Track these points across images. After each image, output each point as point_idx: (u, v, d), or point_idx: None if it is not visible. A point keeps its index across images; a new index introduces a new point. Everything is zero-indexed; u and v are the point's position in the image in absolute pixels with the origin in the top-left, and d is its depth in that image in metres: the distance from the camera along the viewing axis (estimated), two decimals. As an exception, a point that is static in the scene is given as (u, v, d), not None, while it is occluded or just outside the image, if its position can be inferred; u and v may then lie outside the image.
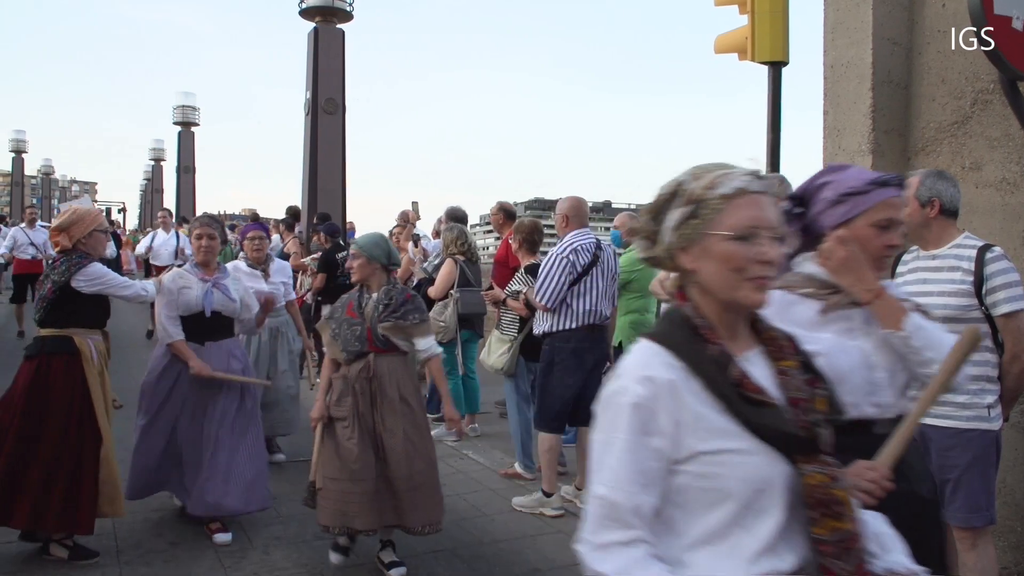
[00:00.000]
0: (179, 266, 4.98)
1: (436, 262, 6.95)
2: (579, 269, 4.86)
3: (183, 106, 31.55)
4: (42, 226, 11.89)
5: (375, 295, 3.74)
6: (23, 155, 38.84)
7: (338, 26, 12.24)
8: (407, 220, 8.68)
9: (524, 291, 5.26)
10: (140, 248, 12.18)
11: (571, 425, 5.14)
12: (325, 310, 9.55)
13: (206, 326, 4.26)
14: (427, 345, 3.78)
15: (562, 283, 4.81)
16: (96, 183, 44.66)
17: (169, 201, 33.61)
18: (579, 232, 5.02)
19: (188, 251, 10.63)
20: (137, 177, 44.84)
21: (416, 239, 8.13)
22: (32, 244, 11.65)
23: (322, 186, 11.79)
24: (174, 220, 12.82)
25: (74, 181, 47.95)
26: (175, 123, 31.73)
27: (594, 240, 4.96)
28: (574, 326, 4.86)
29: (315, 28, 12.09)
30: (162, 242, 11.51)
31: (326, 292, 9.30)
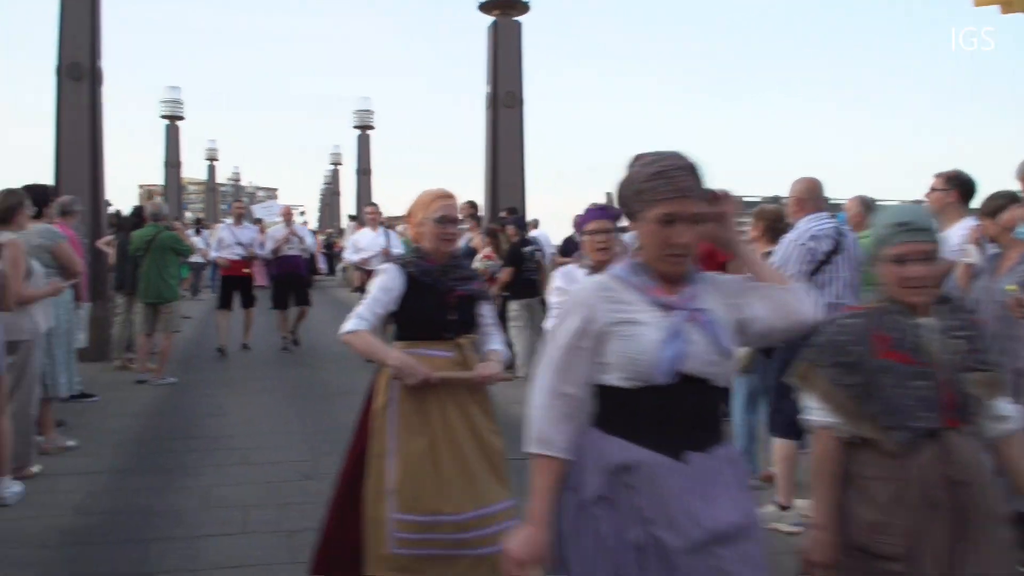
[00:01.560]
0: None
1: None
2: (819, 257, 4.39)
3: (361, 110, 32.84)
4: (248, 224, 11.65)
5: (928, 319, 2.22)
6: (215, 163, 41.78)
7: (515, 19, 12.13)
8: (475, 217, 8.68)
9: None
10: (348, 248, 11.35)
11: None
12: (513, 306, 9.56)
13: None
14: (1010, 411, 2.27)
15: (800, 273, 4.35)
16: (276, 188, 47.16)
17: (348, 203, 35.13)
18: (815, 217, 4.55)
19: (396, 250, 10.46)
20: (315, 181, 47.22)
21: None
22: (239, 243, 10.92)
23: (503, 180, 11.68)
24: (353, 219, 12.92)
25: (258, 188, 50.88)
26: (355, 127, 33.06)
27: (834, 225, 4.47)
28: (816, 320, 4.39)
29: (494, 22, 12.02)
30: (370, 241, 10.53)
31: (512, 286, 9.16)
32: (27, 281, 5.26)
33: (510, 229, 9.35)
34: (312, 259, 12.96)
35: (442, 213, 3.25)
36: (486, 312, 3.40)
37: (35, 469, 5.48)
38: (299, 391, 8.72)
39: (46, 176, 10.93)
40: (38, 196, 6.14)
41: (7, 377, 5.05)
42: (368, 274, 10.20)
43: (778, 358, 4.50)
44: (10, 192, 5.36)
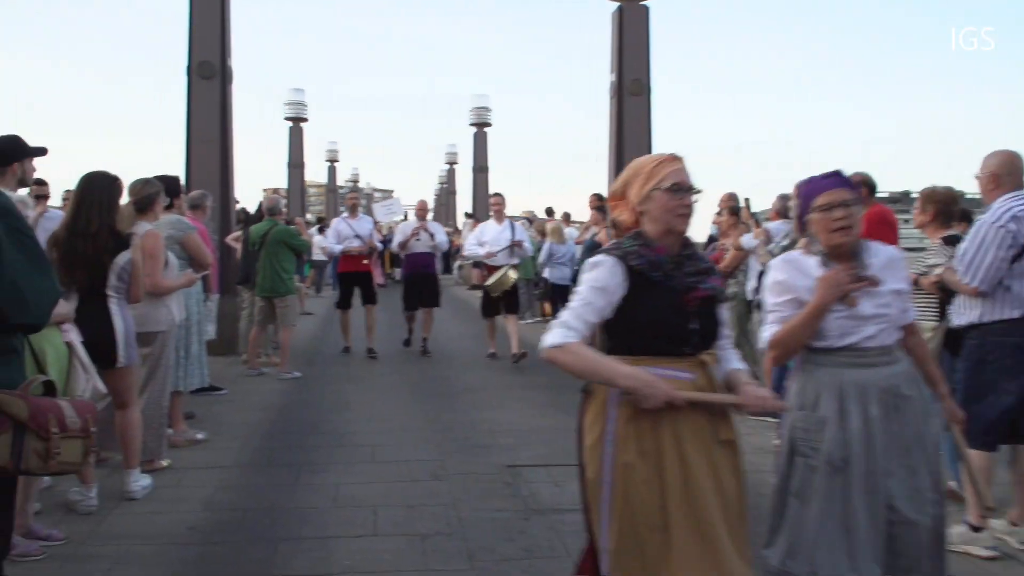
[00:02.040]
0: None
1: (784, 243, 6.10)
2: (1022, 240, 3.79)
3: (478, 107, 32.88)
4: (364, 215, 11.15)
5: None
6: (336, 164, 42.77)
7: (642, 3, 11.64)
8: (735, 212, 7.88)
9: (940, 267, 4.21)
10: (470, 241, 10.51)
11: (1006, 442, 4.03)
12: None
13: None
14: None
15: (998, 260, 3.77)
16: (392, 190, 47.90)
17: (463, 202, 35.25)
18: (1015, 195, 3.94)
19: (527, 244, 10.16)
20: (430, 181, 47.80)
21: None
22: (357, 236, 10.27)
23: (629, 172, 11.20)
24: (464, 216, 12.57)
25: (375, 189, 51.86)
26: (471, 124, 33.14)
27: (1037, 205, 3.84)
28: (1016, 315, 3.79)
29: (619, 7, 11.56)
30: (495, 234, 9.81)
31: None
32: (164, 272, 5.20)
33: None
34: (446, 257, 12.53)
35: (675, 180, 2.43)
36: (725, 318, 2.61)
37: (165, 463, 5.41)
38: (421, 387, 8.52)
39: (177, 173, 11.20)
40: (170, 187, 6.09)
41: (140, 369, 4.98)
42: (489, 270, 9.91)
43: (971, 356, 3.93)
44: (147, 182, 5.30)
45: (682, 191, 2.44)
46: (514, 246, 9.67)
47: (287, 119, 33.01)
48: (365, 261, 10.47)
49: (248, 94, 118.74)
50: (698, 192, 2.52)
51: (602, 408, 2.43)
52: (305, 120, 33.41)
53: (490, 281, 9.69)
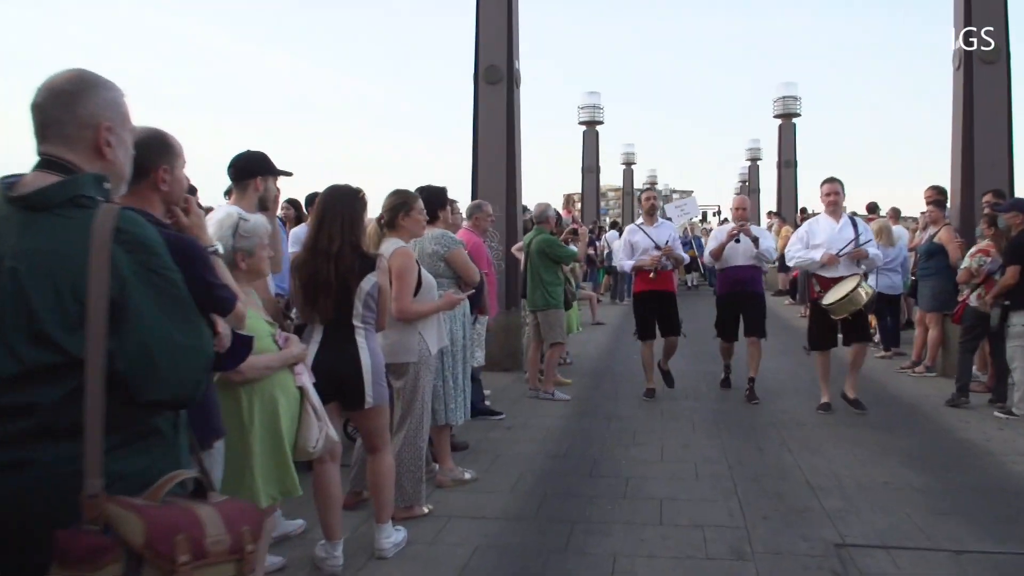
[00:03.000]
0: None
1: None
2: None
3: (783, 97, 30.44)
4: (664, 220, 9.48)
5: None
6: (632, 167, 41.96)
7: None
8: None
9: None
10: (793, 244, 7.80)
11: None
12: (1018, 320, 7.20)
13: None
14: None
15: None
16: (692, 191, 46.09)
17: (768, 200, 32.89)
18: None
19: (872, 247, 7.59)
20: (729, 180, 45.44)
21: None
22: (656, 247, 8.08)
23: (982, 157, 9.10)
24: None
25: (673, 190, 50.53)
26: (775, 116, 30.78)
27: None
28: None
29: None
30: (831, 233, 7.42)
31: (1018, 292, 6.85)
32: (419, 295, 4.58)
33: (1014, 217, 6.99)
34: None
35: None
36: None
37: (425, 509, 4.80)
38: (721, 418, 7.33)
39: (465, 183, 10.95)
40: (434, 198, 5.53)
41: (392, 407, 4.40)
42: (822, 283, 7.38)
43: None
44: (398, 193, 4.73)
45: None
46: (856, 257, 7.28)
47: (581, 123, 32.90)
48: (678, 275, 9.12)
49: (545, 97, 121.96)
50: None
51: None
52: (600, 123, 33.04)
53: (830, 299, 7.10)
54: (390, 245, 4.50)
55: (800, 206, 22.08)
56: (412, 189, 5.27)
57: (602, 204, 40.06)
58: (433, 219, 5.47)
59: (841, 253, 7.25)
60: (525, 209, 12.40)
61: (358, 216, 3.97)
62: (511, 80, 10.67)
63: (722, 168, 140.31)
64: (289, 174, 4.23)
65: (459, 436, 6.52)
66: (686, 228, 20.36)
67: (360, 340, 3.93)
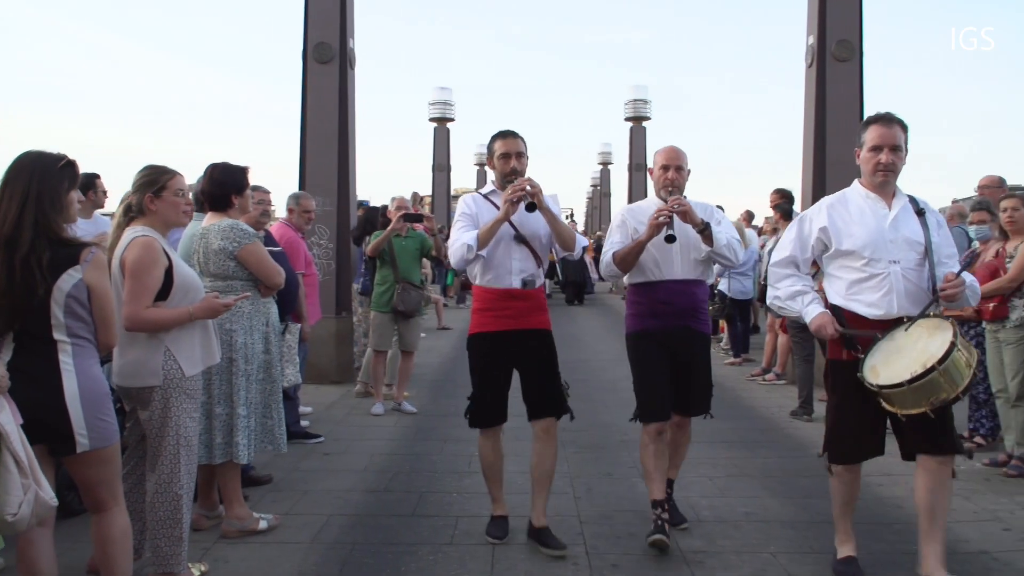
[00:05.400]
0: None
1: None
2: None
3: (634, 100, 30.52)
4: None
5: None
6: (486, 167, 41.26)
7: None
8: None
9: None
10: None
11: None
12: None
13: None
14: None
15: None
16: (555, 194, 46.01)
17: (620, 204, 32.99)
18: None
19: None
20: (583, 183, 45.72)
21: None
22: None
23: (832, 158, 8.86)
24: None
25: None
26: (626, 119, 30.87)
27: None
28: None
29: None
30: None
31: None
32: (170, 299, 3.49)
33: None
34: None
35: None
36: None
37: (196, 573, 3.76)
38: (569, 441, 6.54)
39: (290, 173, 9.81)
40: (228, 179, 4.46)
41: (122, 449, 3.33)
42: None
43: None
44: (148, 169, 3.62)
45: None
46: None
47: (432, 120, 31.84)
48: None
49: (396, 93, 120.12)
50: None
51: None
52: (452, 120, 32.12)
53: (891, 375, 3.42)
54: (128, 235, 3.43)
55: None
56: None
57: (454, 206, 39.25)
58: (223, 207, 4.42)
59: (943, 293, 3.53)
60: (363, 204, 11.36)
61: (57, 192, 2.87)
62: (344, 59, 9.62)
63: (575, 171, 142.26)
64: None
65: (265, 468, 5.49)
66: None
67: (65, 359, 2.86)
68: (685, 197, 4.24)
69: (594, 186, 45.52)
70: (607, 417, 7.25)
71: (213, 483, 4.52)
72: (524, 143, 4.32)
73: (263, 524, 4.44)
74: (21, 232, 2.78)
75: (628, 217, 4.44)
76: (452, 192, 33.08)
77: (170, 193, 3.56)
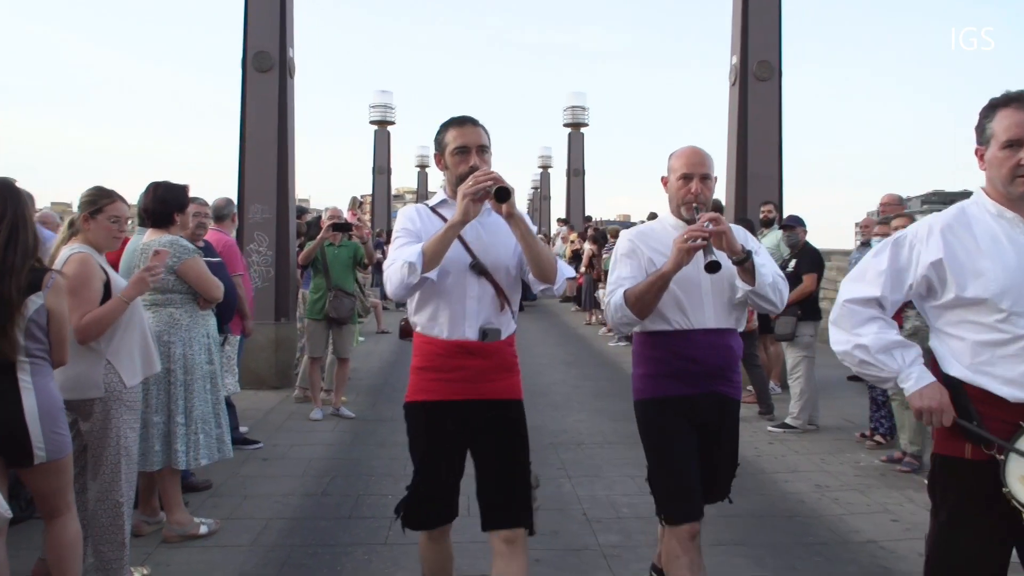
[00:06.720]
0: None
1: None
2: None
3: (573, 106, 31.01)
4: None
5: None
6: (427, 169, 41.43)
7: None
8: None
9: None
10: None
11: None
12: (806, 330, 7.08)
13: None
14: None
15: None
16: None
17: (558, 207, 33.45)
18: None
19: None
20: (523, 185, 46.10)
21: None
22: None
23: (753, 171, 9.31)
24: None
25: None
26: (565, 125, 31.33)
27: None
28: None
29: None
30: None
31: (807, 303, 6.84)
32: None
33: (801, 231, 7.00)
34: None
35: None
36: None
37: (137, 576, 3.94)
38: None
39: (231, 179, 9.91)
40: (170, 198, 4.63)
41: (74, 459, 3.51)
42: None
43: None
44: (92, 190, 3.81)
45: None
46: None
47: (372, 122, 31.90)
48: None
49: (337, 96, 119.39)
50: None
51: None
52: (392, 123, 32.21)
53: None
54: (65, 252, 3.61)
55: (586, 214, 22.44)
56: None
57: (395, 207, 39.34)
58: (165, 223, 4.59)
59: None
60: (303, 211, 11.52)
61: (29, 216, 3.07)
62: (284, 68, 9.75)
63: (516, 174, 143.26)
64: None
65: (204, 474, 5.64)
66: None
67: (24, 378, 3.04)
68: (722, 217, 3.00)
69: (535, 188, 45.94)
70: (537, 420, 7.55)
71: (154, 489, 4.69)
72: (487, 134, 3.12)
73: (204, 529, 4.63)
74: (11, 258, 2.95)
75: (639, 243, 3.21)
76: (393, 192, 33.17)
77: (105, 217, 3.74)
